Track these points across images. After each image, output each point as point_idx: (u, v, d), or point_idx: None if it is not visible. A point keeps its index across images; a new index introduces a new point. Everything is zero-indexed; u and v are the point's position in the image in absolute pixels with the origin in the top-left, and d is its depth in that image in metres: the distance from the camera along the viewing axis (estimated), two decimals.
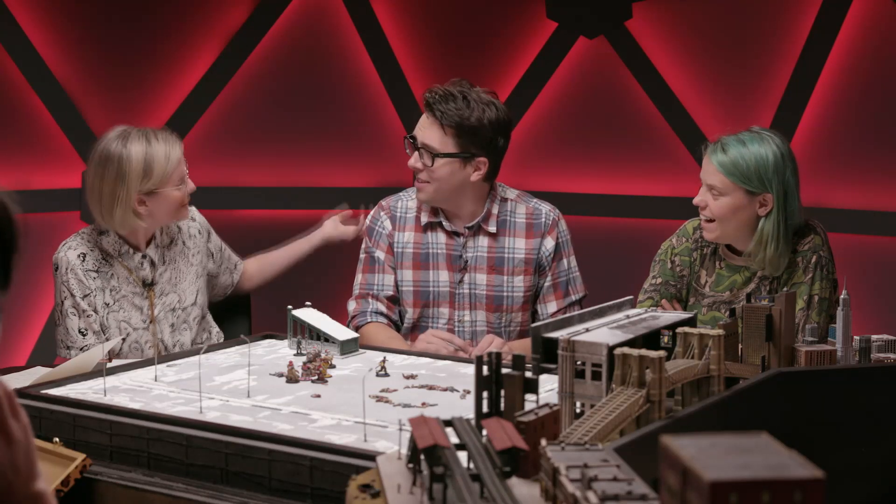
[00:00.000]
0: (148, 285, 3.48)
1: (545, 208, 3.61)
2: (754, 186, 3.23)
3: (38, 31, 5.00)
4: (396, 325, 3.62)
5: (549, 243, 3.58)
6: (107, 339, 3.42)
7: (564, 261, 3.61)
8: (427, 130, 3.46)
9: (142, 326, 3.47)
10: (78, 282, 3.38)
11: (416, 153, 3.47)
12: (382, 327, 3.56)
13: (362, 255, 3.65)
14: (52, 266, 3.43)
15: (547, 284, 3.59)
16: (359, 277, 3.64)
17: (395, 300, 3.61)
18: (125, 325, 3.45)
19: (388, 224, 3.62)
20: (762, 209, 3.26)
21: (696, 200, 3.33)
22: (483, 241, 3.56)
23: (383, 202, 3.66)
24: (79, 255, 3.41)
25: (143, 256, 3.48)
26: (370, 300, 3.59)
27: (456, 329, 3.54)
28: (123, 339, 3.45)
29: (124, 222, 3.39)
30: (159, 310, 3.49)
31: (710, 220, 3.31)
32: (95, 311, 3.41)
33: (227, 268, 3.76)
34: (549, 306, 3.60)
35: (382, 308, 3.59)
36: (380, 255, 3.61)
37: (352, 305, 3.62)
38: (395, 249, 3.59)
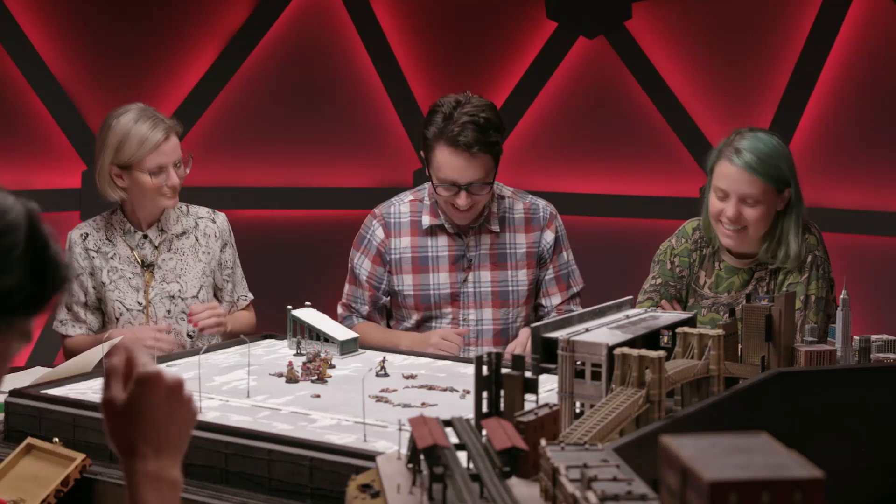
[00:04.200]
0: (146, 266, 3.55)
1: (541, 203, 3.65)
2: (782, 182, 3.20)
3: (38, 31, 5.00)
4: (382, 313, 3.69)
5: (549, 236, 3.60)
6: (108, 337, 3.44)
7: (564, 254, 3.63)
8: (472, 169, 3.38)
9: (136, 308, 3.55)
10: (76, 260, 3.55)
11: (463, 193, 3.40)
12: (371, 325, 3.60)
13: (349, 265, 3.65)
14: None
15: (549, 277, 3.61)
16: (346, 287, 3.67)
17: (377, 311, 3.63)
18: (119, 304, 3.54)
19: (380, 233, 3.59)
20: (780, 204, 3.24)
21: (731, 213, 3.18)
22: (486, 240, 3.57)
23: (376, 210, 3.64)
24: (81, 235, 3.59)
25: (144, 236, 3.58)
26: (352, 310, 3.65)
27: (468, 333, 3.55)
28: (116, 321, 3.52)
29: (107, 190, 3.52)
30: (155, 293, 3.55)
31: (742, 229, 3.22)
32: (85, 291, 3.55)
33: (227, 295, 3.70)
34: (553, 299, 3.62)
35: (364, 320, 3.64)
36: (363, 269, 3.60)
37: (339, 310, 3.67)
38: (392, 256, 3.58)
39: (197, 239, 3.63)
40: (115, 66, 5.14)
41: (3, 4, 4.88)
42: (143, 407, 1.53)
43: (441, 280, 3.56)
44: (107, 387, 1.54)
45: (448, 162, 3.39)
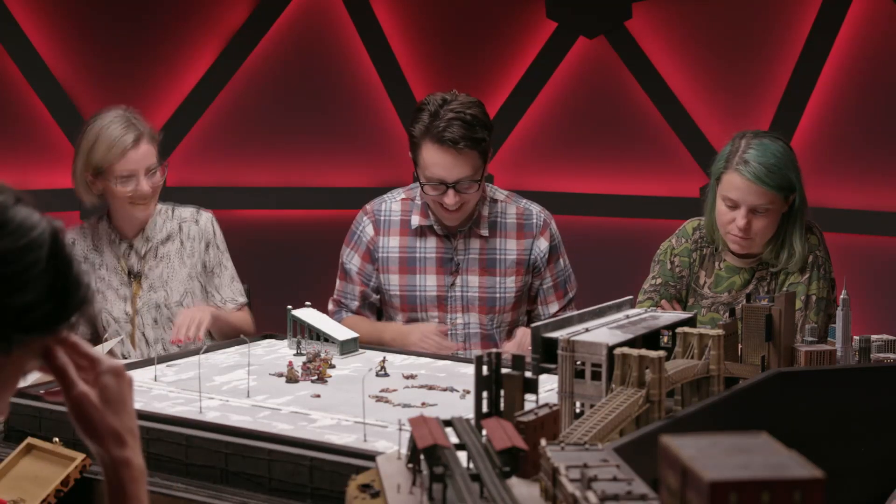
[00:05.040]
0: (133, 275, 3.51)
1: (535, 209, 3.60)
2: (789, 189, 3.21)
3: (38, 31, 5.00)
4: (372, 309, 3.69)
5: (543, 244, 3.56)
6: (108, 336, 3.46)
7: (560, 261, 3.61)
8: (459, 167, 3.36)
9: (124, 318, 3.51)
10: None
11: (451, 192, 3.38)
12: (358, 319, 3.59)
13: (340, 261, 3.65)
14: None
15: (547, 286, 3.59)
16: (337, 283, 3.66)
17: (367, 307, 3.63)
18: (106, 315, 3.50)
19: (370, 230, 3.58)
20: (785, 207, 3.24)
21: (742, 224, 3.19)
22: (475, 244, 3.54)
23: (367, 206, 3.63)
24: (69, 241, 3.45)
25: (130, 246, 3.52)
26: (341, 305, 3.64)
27: (448, 332, 3.53)
28: (104, 331, 3.50)
29: (82, 195, 3.51)
30: (143, 303, 3.51)
31: (749, 237, 3.23)
32: None
33: (213, 298, 3.62)
34: (551, 307, 3.60)
35: (363, 310, 3.65)
36: (353, 265, 3.60)
37: (330, 306, 3.65)
38: (379, 254, 3.56)
39: (182, 242, 3.57)
40: (115, 66, 5.14)
41: (3, 4, 4.88)
42: (123, 397, 1.51)
43: (428, 282, 3.53)
44: (72, 384, 1.49)
45: (435, 160, 3.36)
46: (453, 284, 3.53)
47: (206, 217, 3.63)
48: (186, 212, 3.61)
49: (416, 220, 3.55)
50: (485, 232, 3.53)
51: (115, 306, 3.50)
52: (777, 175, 3.17)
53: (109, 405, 1.51)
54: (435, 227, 3.54)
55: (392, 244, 3.56)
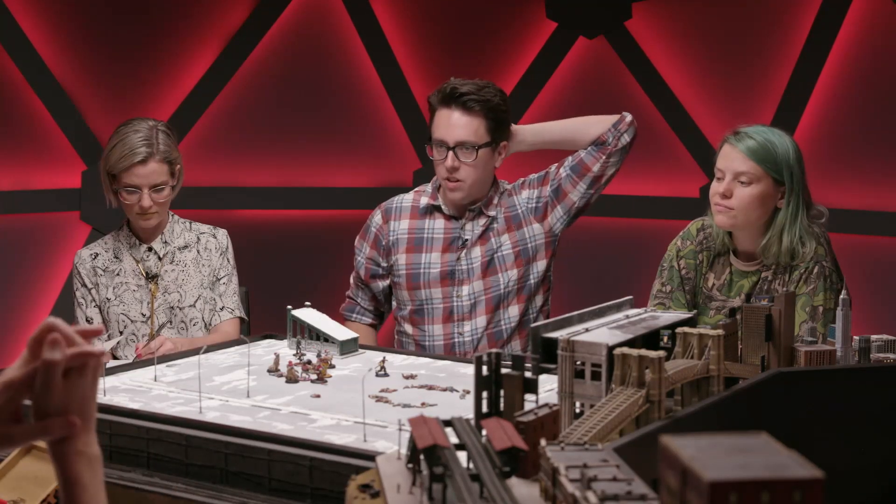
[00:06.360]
0: (150, 277, 3.59)
1: (522, 198, 3.63)
2: (780, 175, 3.21)
3: (38, 31, 5.00)
4: (381, 317, 3.77)
5: (526, 195, 3.61)
6: (108, 336, 3.49)
7: (542, 173, 3.66)
8: (461, 128, 3.43)
9: (140, 320, 3.60)
10: (84, 276, 3.62)
11: (451, 154, 3.44)
12: (362, 331, 3.62)
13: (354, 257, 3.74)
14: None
15: (554, 187, 3.63)
16: (352, 276, 3.73)
17: (372, 301, 3.71)
18: (123, 317, 3.59)
19: (378, 219, 3.65)
20: (781, 201, 3.25)
21: (722, 189, 3.22)
22: (480, 222, 3.56)
23: (382, 203, 3.70)
24: (91, 254, 3.65)
25: (149, 249, 3.63)
26: (351, 301, 3.74)
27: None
28: (119, 334, 3.56)
29: (105, 193, 3.58)
30: (159, 303, 3.59)
31: (731, 208, 3.24)
32: (98, 305, 3.61)
33: (215, 304, 3.69)
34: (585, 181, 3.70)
35: (368, 317, 3.72)
36: (362, 256, 3.67)
37: (347, 299, 3.75)
38: (389, 238, 3.61)
39: (198, 252, 3.68)
40: (115, 66, 5.14)
41: (3, 4, 4.87)
42: (85, 386, 1.47)
43: (433, 260, 3.57)
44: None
45: (441, 120, 3.45)
46: (459, 259, 3.55)
47: (223, 232, 3.76)
48: (204, 227, 3.75)
49: (425, 200, 3.60)
50: (492, 213, 3.57)
51: (132, 308, 3.60)
52: (765, 151, 3.20)
53: (66, 391, 1.45)
54: (443, 208, 3.57)
55: (402, 227, 3.62)
